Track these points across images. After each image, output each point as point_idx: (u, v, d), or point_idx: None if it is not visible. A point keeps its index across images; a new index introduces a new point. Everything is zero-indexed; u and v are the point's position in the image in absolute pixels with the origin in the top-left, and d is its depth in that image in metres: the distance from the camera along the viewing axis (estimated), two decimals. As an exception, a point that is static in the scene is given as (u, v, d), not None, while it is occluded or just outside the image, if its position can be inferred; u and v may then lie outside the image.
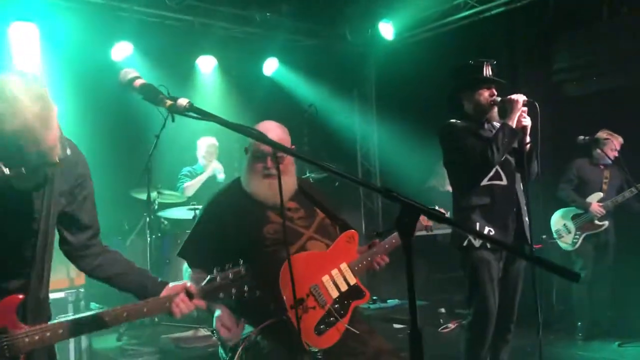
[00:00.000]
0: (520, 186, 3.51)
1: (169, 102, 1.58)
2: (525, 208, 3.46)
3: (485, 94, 3.47)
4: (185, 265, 2.76)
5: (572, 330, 5.46)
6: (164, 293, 2.08)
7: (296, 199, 2.77)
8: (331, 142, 7.61)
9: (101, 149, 4.91)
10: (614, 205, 5.27)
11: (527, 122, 3.38)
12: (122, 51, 6.27)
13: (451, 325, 5.98)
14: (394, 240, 2.84)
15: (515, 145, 3.43)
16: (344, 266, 2.65)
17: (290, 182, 2.70)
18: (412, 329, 1.36)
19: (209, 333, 4.73)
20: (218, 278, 2.14)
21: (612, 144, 5.18)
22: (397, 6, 7.09)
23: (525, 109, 3.38)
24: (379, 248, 2.82)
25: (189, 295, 2.06)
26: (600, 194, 5.39)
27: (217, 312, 2.49)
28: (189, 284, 2.11)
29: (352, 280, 2.64)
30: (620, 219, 5.41)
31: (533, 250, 3.46)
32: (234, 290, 2.15)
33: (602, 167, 5.46)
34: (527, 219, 3.46)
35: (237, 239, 2.64)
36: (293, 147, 2.77)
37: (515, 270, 3.53)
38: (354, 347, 2.53)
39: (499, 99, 3.44)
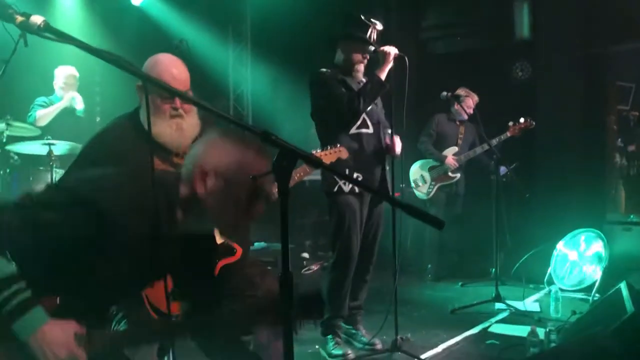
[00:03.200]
0: (384, 135, 3.66)
1: (19, 18, 1.38)
2: (387, 157, 3.65)
3: (359, 55, 3.55)
4: None
5: (423, 272, 5.93)
6: None
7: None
8: (202, 82, 7.31)
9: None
10: (466, 159, 5.71)
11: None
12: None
13: (314, 267, 6.21)
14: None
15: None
16: None
17: (194, 124, 2.49)
18: (284, 273, 1.38)
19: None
20: None
21: (468, 101, 5.55)
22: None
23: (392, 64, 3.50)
24: None
25: None
26: (455, 148, 5.79)
27: None
28: None
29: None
30: (469, 172, 5.88)
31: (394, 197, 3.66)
32: None
33: (458, 123, 5.85)
34: (388, 167, 3.65)
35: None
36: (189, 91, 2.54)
37: (377, 215, 3.73)
38: (244, 289, 2.47)
39: (372, 48, 3.51)
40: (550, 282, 5.09)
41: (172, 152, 2.49)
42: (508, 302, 4.70)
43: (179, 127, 2.42)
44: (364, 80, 3.58)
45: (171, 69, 2.42)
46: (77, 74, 5.71)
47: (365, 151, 3.54)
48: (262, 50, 7.82)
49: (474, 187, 5.91)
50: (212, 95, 7.66)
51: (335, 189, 3.55)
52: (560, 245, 5.25)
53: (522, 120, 5.40)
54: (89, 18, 6.64)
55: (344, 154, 2.95)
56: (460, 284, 5.63)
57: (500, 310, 4.62)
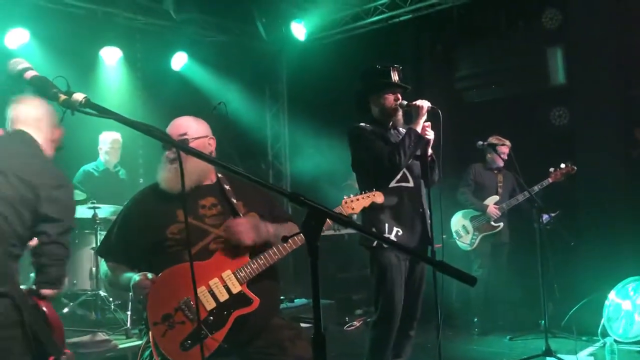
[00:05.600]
0: (424, 189, 3.64)
1: (63, 97, 1.47)
2: (428, 210, 3.60)
3: (390, 98, 3.55)
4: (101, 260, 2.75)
5: (469, 326, 5.74)
6: None
7: (216, 194, 2.67)
8: (242, 141, 7.52)
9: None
10: (508, 207, 5.60)
11: (430, 136, 3.50)
12: (18, 38, 5.85)
13: (356, 323, 6.09)
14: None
15: (419, 152, 3.56)
16: (227, 274, 2.48)
17: (193, 167, 2.57)
18: (316, 334, 1.36)
19: (107, 337, 4.53)
20: None
21: (503, 148, 5.51)
22: (308, 7, 7.15)
23: (429, 123, 3.49)
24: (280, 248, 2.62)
25: None
26: (497, 197, 5.70)
27: (137, 277, 2.46)
28: None
29: (236, 289, 2.47)
30: (512, 220, 5.76)
31: (434, 251, 3.59)
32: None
33: (495, 171, 5.79)
34: (429, 220, 3.59)
35: (141, 240, 2.58)
36: (210, 138, 2.73)
37: (420, 270, 3.63)
38: (274, 354, 2.49)
39: (404, 102, 3.54)
40: (605, 334, 4.85)
41: (197, 203, 2.60)
42: (560, 356, 4.48)
43: (176, 171, 2.52)
44: (402, 131, 3.59)
45: (175, 119, 2.67)
46: (121, 139, 5.94)
47: (405, 205, 3.50)
48: (297, 108, 8.01)
49: (519, 236, 5.77)
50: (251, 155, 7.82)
51: (375, 243, 3.52)
52: (612, 295, 5.02)
53: (562, 165, 5.31)
54: (131, 82, 6.97)
55: (378, 198, 2.94)
56: (508, 337, 5.41)
57: (553, 365, 4.42)
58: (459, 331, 5.69)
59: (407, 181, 3.54)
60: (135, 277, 2.45)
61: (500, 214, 5.60)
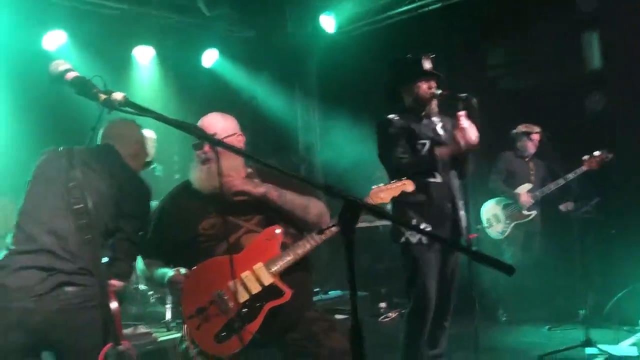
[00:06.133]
0: (455, 181, 3.57)
1: (103, 97, 1.52)
2: (460, 203, 3.53)
3: (424, 86, 3.50)
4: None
5: (504, 316, 5.69)
6: None
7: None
8: (273, 135, 7.57)
9: (32, 143, 4.67)
10: (541, 195, 5.51)
11: (464, 125, 3.39)
12: (55, 40, 5.99)
13: (391, 315, 6.09)
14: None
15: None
16: (258, 266, 2.49)
17: (229, 166, 2.59)
18: (354, 326, 1.38)
19: (148, 330, 4.64)
20: None
21: (535, 136, 5.41)
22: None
23: (463, 112, 3.37)
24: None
25: None
26: (529, 185, 5.62)
27: (171, 272, 2.54)
28: None
29: (268, 281, 2.47)
30: (545, 208, 5.66)
31: (470, 243, 3.54)
32: None
33: (526, 159, 5.70)
34: (462, 212, 3.53)
35: (175, 236, 2.65)
36: (239, 135, 2.74)
37: (453, 262, 3.59)
38: (308, 347, 2.51)
39: (438, 91, 3.49)
40: (647, 324, 4.75)
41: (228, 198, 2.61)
42: (600, 346, 4.40)
43: (207, 171, 2.57)
44: (435, 120, 3.55)
45: (202, 118, 2.71)
46: (155, 137, 6.03)
47: (432, 201, 3.44)
48: (328, 101, 8.00)
49: (552, 224, 5.68)
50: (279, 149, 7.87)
51: (403, 239, 3.50)
52: (654, 283, 4.91)
53: (596, 153, 5.18)
54: (164, 79, 7.08)
55: (409, 186, 2.85)
56: (547, 327, 5.34)
57: (593, 356, 4.34)
58: (494, 321, 5.64)
59: (434, 177, 3.47)
60: (169, 272, 2.52)
61: (533, 202, 5.52)
